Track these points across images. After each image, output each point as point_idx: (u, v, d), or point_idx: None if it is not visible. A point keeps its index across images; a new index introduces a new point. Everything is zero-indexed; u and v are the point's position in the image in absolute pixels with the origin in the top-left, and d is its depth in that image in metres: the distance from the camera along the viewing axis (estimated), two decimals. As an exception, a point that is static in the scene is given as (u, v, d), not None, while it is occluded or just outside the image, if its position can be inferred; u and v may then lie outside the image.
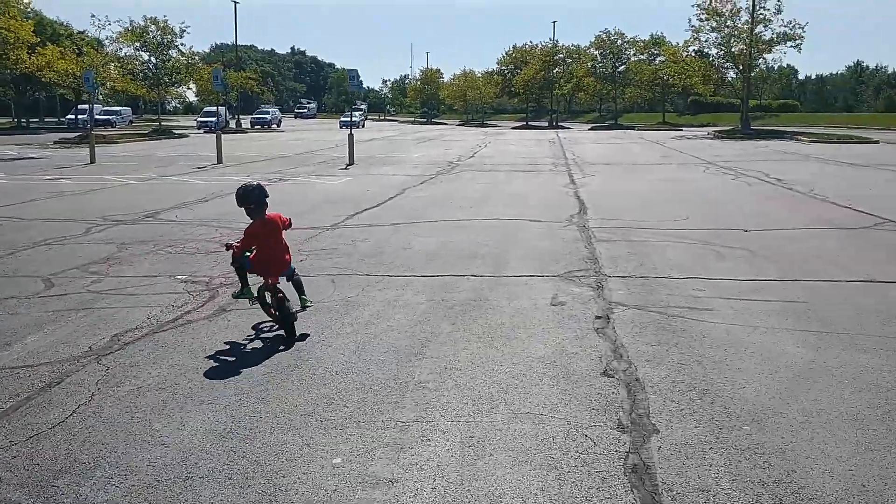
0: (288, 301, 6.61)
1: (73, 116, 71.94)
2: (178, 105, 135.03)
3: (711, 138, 49.52)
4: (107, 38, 53.23)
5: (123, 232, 12.53)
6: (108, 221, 13.78)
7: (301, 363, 6.03)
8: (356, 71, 28.74)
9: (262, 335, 6.78)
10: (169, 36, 52.17)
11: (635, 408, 5.21)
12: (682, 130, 63.59)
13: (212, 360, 6.06)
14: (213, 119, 70.39)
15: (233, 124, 70.69)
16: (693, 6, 52.02)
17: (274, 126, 78.98)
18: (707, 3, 51.04)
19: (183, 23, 51.97)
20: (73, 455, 4.36)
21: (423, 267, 9.72)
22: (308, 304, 6.93)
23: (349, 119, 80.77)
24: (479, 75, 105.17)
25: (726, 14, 51.10)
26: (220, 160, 28.87)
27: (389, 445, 4.59)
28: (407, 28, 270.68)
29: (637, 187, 20.04)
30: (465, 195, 18.00)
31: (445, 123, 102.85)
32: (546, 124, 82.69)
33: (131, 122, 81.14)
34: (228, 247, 7.01)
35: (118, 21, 62.95)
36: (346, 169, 26.49)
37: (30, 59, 34.79)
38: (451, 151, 37.03)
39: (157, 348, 6.35)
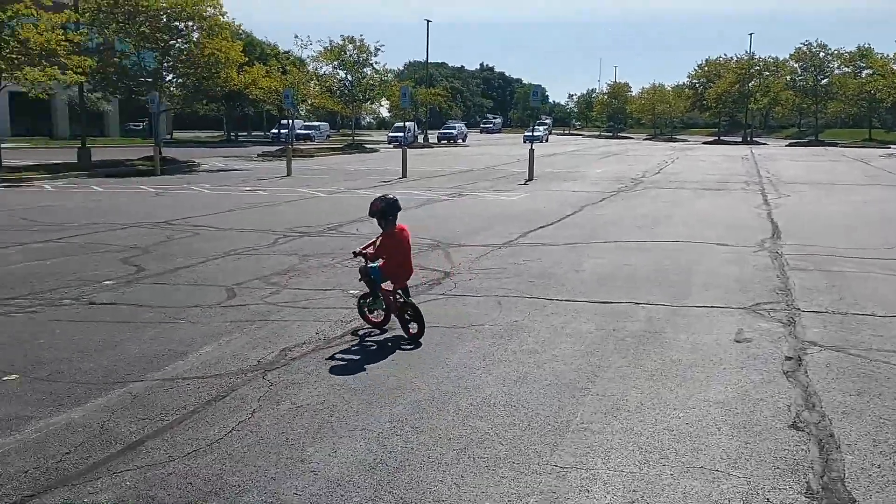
0: (416, 307, 7.18)
1: (276, 131, 77.08)
2: (372, 120, 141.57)
3: (931, 156, 44.81)
4: (308, 57, 56.60)
5: (307, 244, 12.99)
6: (294, 232, 14.37)
7: (460, 391, 5.81)
8: (540, 86, 28.57)
9: (423, 354, 6.64)
10: (364, 54, 54.58)
11: (828, 470, 4.54)
12: (890, 148, 58.07)
13: (371, 382, 5.98)
14: (403, 134, 73.25)
15: (421, 139, 72.86)
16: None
17: (459, 141, 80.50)
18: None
19: (378, 41, 54.31)
20: (224, 477, 4.37)
21: (594, 291, 9.26)
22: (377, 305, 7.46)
23: (532, 134, 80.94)
24: (669, 89, 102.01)
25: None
26: (404, 174, 29.63)
27: (544, 494, 4.24)
28: (595, 43, 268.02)
29: (838, 210, 18.34)
30: (647, 214, 17.23)
31: (632, 138, 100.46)
32: (740, 140, 78.55)
33: (329, 136, 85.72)
34: (357, 254, 7.46)
35: (319, 41, 66.93)
36: (524, 184, 26.31)
37: (238, 77, 37.40)
38: (635, 167, 35.92)
39: (320, 365, 6.38)
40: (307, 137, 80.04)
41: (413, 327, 7.13)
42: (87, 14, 33.64)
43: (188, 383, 5.87)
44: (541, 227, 14.99)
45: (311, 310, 8.27)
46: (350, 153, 50.96)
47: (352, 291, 9.16)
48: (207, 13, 35.75)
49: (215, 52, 35.67)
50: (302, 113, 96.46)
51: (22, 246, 12.54)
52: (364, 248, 7.48)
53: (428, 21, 72.91)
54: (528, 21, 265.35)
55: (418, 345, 6.97)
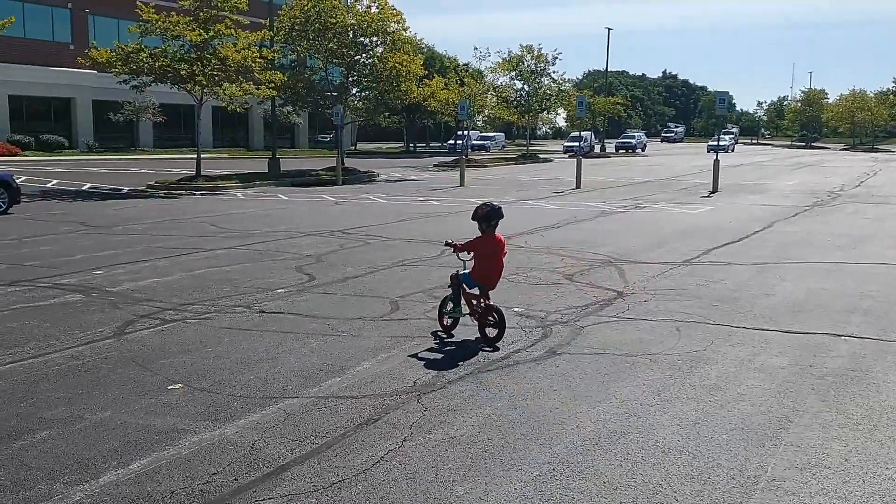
0: (499, 313, 7.37)
1: (453, 142, 78.42)
2: (549, 130, 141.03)
3: None
4: (486, 69, 57.06)
5: (473, 256, 12.73)
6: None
7: (629, 431, 5.23)
8: (727, 93, 26.91)
9: (589, 385, 6.09)
10: (542, 64, 54.16)
11: None
12: None
13: (531, 413, 5.52)
14: (579, 144, 72.17)
15: (598, 149, 71.47)
16: None
17: (638, 150, 78.24)
18: None
19: (555, 50, 53.81)
20: (366, 513, 4.08)
21: (787, 320, 8.28)
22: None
23: (717, 143, 77.28)
24: (872, 95, 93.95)
25: None
26: (578, 185, 28.92)
27: (725, 566, 3.61)
28: (788, 47, 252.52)
29: None
30: (845, 232, 15.59)
31: (827, 148, 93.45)
32: (956, 149, 70.87)
33: (504, 147, 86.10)
34: (448, 244, 8.04)
35: (498, 52, 67.35)
36: (708, 197, 24.83)
37: (417, 89, 38.20)
38: (831, 180, 33.10)
39: (478, 391, 6.00)
40: (482, 148, 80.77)
41: (491, 332, 7.34)
42: (281, 33, 35.58)
43: (342, 403, 5.68)
44: (725, 245, 13.89)
45: (472, 327, 7.93)
46: (523, 163, 50.73)
47: (515, 308, 8.75)
48: (391, 28, 36.78)
49: (397, 65, 36.58)
50: (479, 124, 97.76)
51: (207, 252, 13.15)
52: (463, 245, 7.90)
53: (609, 29, 71.57)
54: (713, 27, 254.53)
55: (496, 349, 7.17)
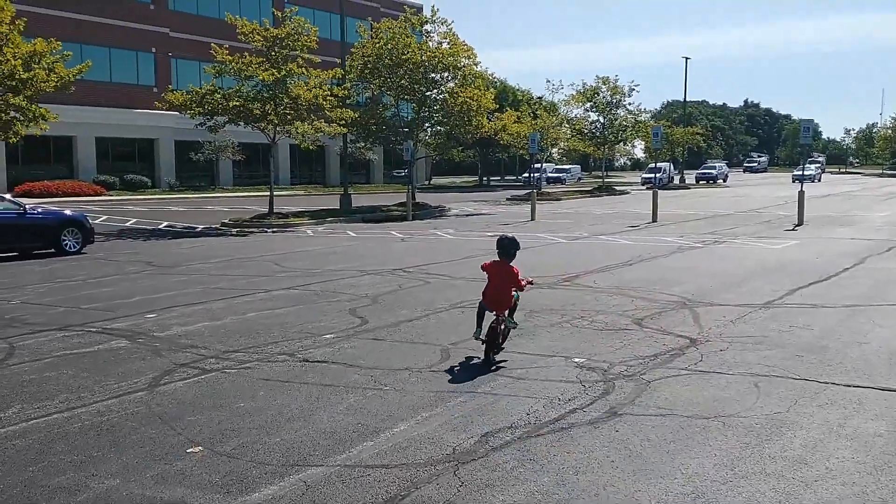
0: (509, 321, 8.33)
1: (527, 175, 77.86)
2: (627, 161, 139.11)
3: None
4: (560, 101, 56.50)
5: (536, 297, 12.05)
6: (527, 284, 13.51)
7: (695, 514, 4.49)
8: (812, 121, 25.55)
9: (651, 455, 5.36)
10: (618, 96, 53.28)
11: None
12: None
13: (581, 491, 4.83)
14: (656, 175, 70.55)
15: (677, 180, 69.74)
16: None
17: (720, 181, 76.10)
18: None
19: (632, 81, 52.78)
20: None
21: (884, 374, 7.34)
22: (511, 324, 8.40)
23: (802, 173, 74.46)
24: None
25: None
26: (654, 219, 27.90)
27: None
28: (874, 72, 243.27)
29: None
30: (951, 269, 14.28)
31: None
32: None
33: (580, 179, 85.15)
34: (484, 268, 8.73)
35: (572, 84, 66.74)
36: (793, 230, 23.48)
37: (488, 123, 37.90)
38: (930, 210, 31.10)
39: (525, 460, 5.34)
40: (558, 180, 79.96)
41: (492, 351, 8.04)
42: (353, 71, 35.90)
43: (369, 473, 5.10)
44: (812, 284, 12.83)
45: (525, 381, 7.28)
46: (599, 196, 49.72)
47: (577, 359, 8.06)
48: (462, 64, 36.66)
49: (468, 100, 36.39)
50: (555, 156, 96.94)
51: (264, 293, 12.87)
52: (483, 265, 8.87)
53: (686, 58, 70.17)
54: (796, 52, 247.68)
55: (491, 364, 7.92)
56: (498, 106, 42.70)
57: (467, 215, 34.24)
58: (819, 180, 76.65)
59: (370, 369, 7.81)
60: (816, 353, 8.13)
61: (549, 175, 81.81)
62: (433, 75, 36.10)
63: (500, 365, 7.89)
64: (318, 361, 8.22)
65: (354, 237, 23.89)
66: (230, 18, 29.76)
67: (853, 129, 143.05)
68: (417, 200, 38.08)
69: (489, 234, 23.94)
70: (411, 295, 12.46)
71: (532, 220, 29.88)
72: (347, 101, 37.67)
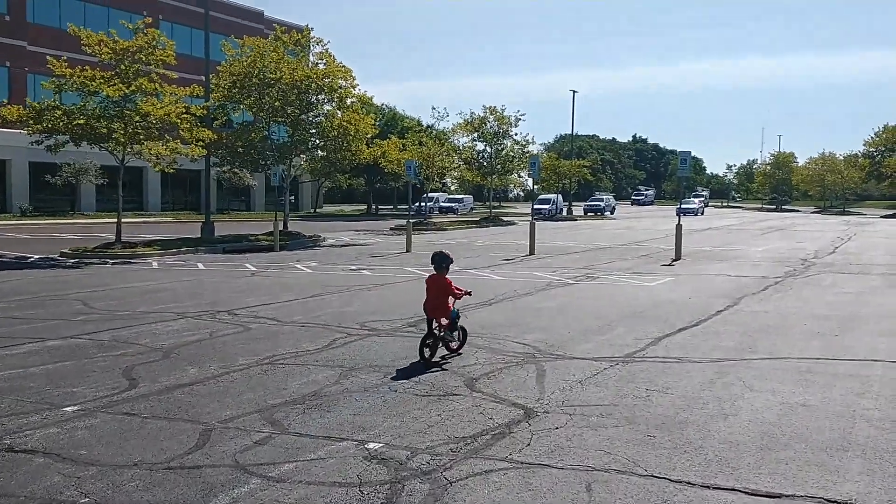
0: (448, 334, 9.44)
1: (420, 204, 76.42)
2: (521, 192, 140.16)
3: None
4: (446, 129, 55.44)
5: (365, 348, 10.17)
6: (365, 329, 11.64)
7: None
8: (689, 153, 24.88)
9: None
10: (505, 125, 52.56)
11: None
12: None
13: None
14: (548, 206, 70.28)
15: (565, 212, 69.75)
16: None
17: (607, 213, 76.69)
18: None
19: (518, 111, 52.05)
20: None
21: (754, 465, 5.76)
22: (449, 336, 9.49)
23: (687, 206, 75.67)
24: (841, 158, 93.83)
25: None
26: (531, 251, 26.60)
27: None
28: (757, 111, 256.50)
29: None
30: (824, 313, 13.21)
31: (798, 211, 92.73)
32: (927, 212, 69.97)
33: (472, 209, 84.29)
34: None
35: (460, 113, 65.92)
36: (669, 265, 22.54)
37: (368, 149, 36.08)
38: (803, 245, 31.09)
39: None
40: (450, 210, 78.80)
41: (427, 353, 9.18)
42: (219, 89, 33.44)
43: None
44: (680, 330, 11.44)
45: (283, 485, 5.33)
46: (485, 227, 48.56)
47: (371, 445, 6.16)
48: (339, 85, 34.78)
49: (344, 123, 34.54)
50: (451, 186, 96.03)
51: (38, 343, 10.47)
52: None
53: (574, 91, 70.63)
54: (683, 91, 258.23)
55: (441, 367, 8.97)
56: (379, 132, 41.13)
57: (342, 245, 32.18)
58: (702, 213, 78.55)
59: (85, 466, 5.69)
60: (673, 432, 6.51)
61: (442, 205, 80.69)
62: (308, 97, 33.99)
63: (443, 365, 9.04)
64: (25, 451, 6.03)
65: (200, 270, 21.44)
66: (73, 29, 26.93)
67: (735, 165, 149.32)
68: (290, 230, 35.78)
69: (353, 268, 21.99)
70: (217, 346, 10.33)
71: (407, 251, 28.11)
72: (215, 122, 35.27)
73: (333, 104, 35.53)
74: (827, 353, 9.71)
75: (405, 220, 51.28)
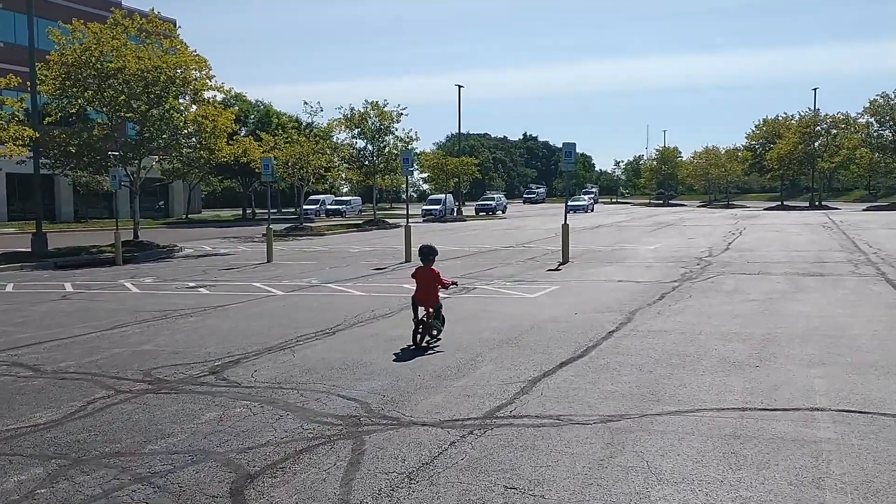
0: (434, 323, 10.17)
1: (309, 206, 72.44)
2: (414, 194, 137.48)
3: None
4: (325, 125, 52.14)
5: (110, 423, 7.07)
6: (141, 383, 8.52)
7: None
8: (573, 145, 22.65)
9: None
10: (387, 121, 49.68)
11: None
12: None
13: None
14: (438, 207, 67.68)
15: (456, 212, 67.49)
16: None
17: (499, 213, 74.96)
18: None
19: (399, 105, 49.21)
20: None
21: None
22: (437, 325, 10.42)
23: (577, 203, 74.96)
24: (723, 152, 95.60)
25: None
26: (408, 259, 23.83)
27: None
28: (642, 108, 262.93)
29: None
30: (735, 329, 10.91)
31: (684, 205, 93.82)
32: (806, 204, 71.46)
33: (361, 211, 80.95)
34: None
35: (339, 108, 62.47)
36: (556, 270, 20.22)
37: (228, 147, 32.42)
38: (696, 241, 29.56)
39: None
40: (337, 213, 75.28)
41: (418, 339, 10.02)
42: (51, 81, 29.12)
43: None
44: (562, 365, 8.84)
45: None
46: (368, 230, 45.56)
47: None
48: (193, 77, 31.04)
49: (199, 119, 30.87)
50: (344, 188, 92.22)
51: None
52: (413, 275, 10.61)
53: (459, 87, 68.49)
54: (573, 90, 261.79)
55: (422, 351, 9.71)
56: (253, 129, 37.48)
57: (199, 256, 28.56)
58: (592, 210, 77.90)
59: None
60: None
61: (329, 207, 77.07)
62: (156, 89, 30.05)
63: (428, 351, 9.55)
64: None
65: (7, 293, 17.67)
66: None
67: (622, 161, 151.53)
68: (143, 239, 31.80)
69: (192, 285, 18.65)
70: None
71: (268, 261, 24.84)
72: (47, 119, 30.92)
73: (189, 97, 31.79)
74: (752, 397, 7.27)
75: (285, 226, 47.85)
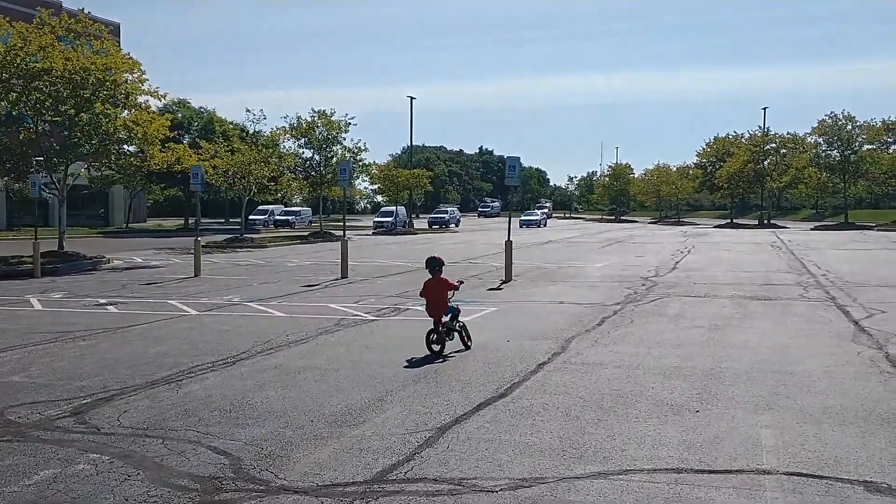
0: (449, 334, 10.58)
1: (254, 217, 70.52)
2: (368, 205, 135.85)
3: None
4: (268, 134, 50.68)
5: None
6: (15, 424, 7.22)
7: None
8: (517, 159, 21.76)
9: None
10: (335, 131, 48.39)
11: None
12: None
13: None
14: (390, 219, 66.38)
15: (407, 225, 66.31)
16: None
17: (452, 226, 73.94)
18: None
19: (347, 115, 47.88)
20: None
21: None
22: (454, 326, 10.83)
23: (530, 218, 74.24)
24: (675, 169, 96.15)
25: None
26: (344, 274, 22.63)
27: None
28: (597, 124, 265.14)
29: None
30: (676, 363, 9.93)
31: (636, 221, 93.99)
32: (755, 222, 71.84)
33: (311, 222, 79.24)
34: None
35: (285, 117, 60.90)
36: (497, 289, 19.23)
37: (160, 154, 30.82)
38: (644, 259, 28.85)
39: None
40: (286, 224, 73.58)
41: (435, 347, 10.40)
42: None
43: None
44: (479, 408, 7.75)
45: None
46: (312, 243, 44.11)
47: None
48: (125, 79, 29.44)
49: (130, 124, 29.30)
50: (296, 199, 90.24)
51: None
52: (422, 291, 11.03)
53: (412, 98, 67.51)
54: (527, 106, 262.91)
55: (444, 359, 10.10)
56: (195, 137, 35.89)
57: (126, 269, 26.98)
58: (545, 225, 77.38)
59: None
60: None
61: (278, 218, 75.35)
62: (85, 92, 28.38)
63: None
64: None
65: None
66: None
67: (576, 177, 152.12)
68: (68, 250, 30.00)
69: (102, 301, 17.24)
70: None
71: (196, 275, 23.41)
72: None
73: (119, 102, 30.14)
74: (690, 454, 6.25)
75: (230, 236, 46.16)
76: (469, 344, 10.81)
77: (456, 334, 10.74)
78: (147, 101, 31.28)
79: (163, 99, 31.62)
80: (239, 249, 38.17)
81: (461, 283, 11.45)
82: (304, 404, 7.98)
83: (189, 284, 21.18)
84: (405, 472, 5.84)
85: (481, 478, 5.71)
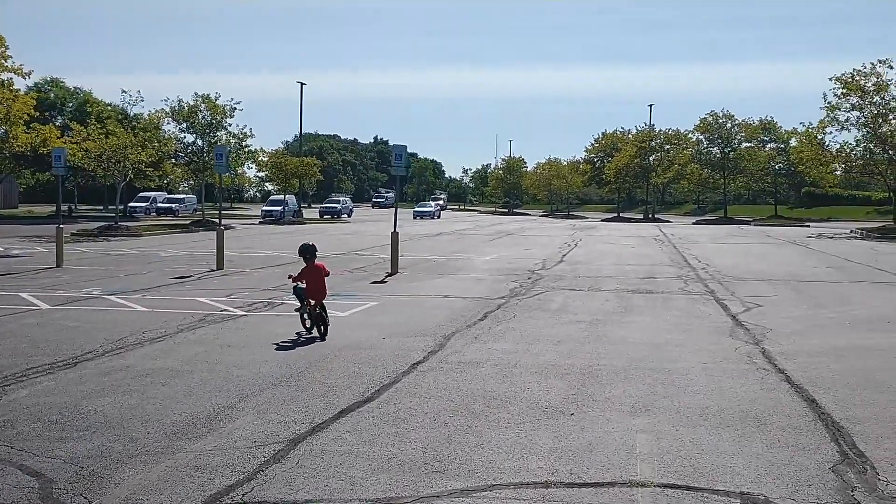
0: (325, 315, 10.93)
1: (134, 204, 67.28)
2: (257, 193, 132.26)
3: (861, 238, 39.96)
4: (143, 116, 48.27)
5: None
6: None
7: None
8: (404, 147, 21.14)
9: None
10: (219, 116, 46.47)
11: None
12: (809, 227, 53.66)
13: None
14: (279, 208, 64.53)
15: (296, 214, 64.67)
16: (831, 79, 43.53)
17: (344, 216, 72.67)
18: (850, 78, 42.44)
19: (232, 100, 46.04)
20: None
21: None
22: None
23: (424, 209, 73.86)
24: (565, 163, 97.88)
25: (871, 89, 42.29)
26: (219, 266, 21.42)
27: None
28: (492, 117, 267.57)
29: (881, 341, 11.25)
30: (554, 361, 9.57)
31: (528, 214, 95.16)
32: (641, 216, 73.94)
33: (197, 210, 76.27)
34: (290, 277, 11.60)
35: (165, 100, 57.98)
36: (382, 282, 18.58)
37: (25, 135, 28.63)
38: (532, 252, 28.82)
39: None
40: (169, 211, 70.52)
41: (322, 329, 10.81)
42: None
43: None
44: (340, 415, 7.08)
45: None
46: (194, 231, 42.23)
47: None
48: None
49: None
50: (184, 185, 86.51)
51: None
52: (296, 276, 11.30)
53: (302, 84, 65.77)
54: (424, 95, 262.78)
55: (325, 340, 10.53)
56: (36, 115, 33.46)
57: (-21, 258, 24.76)
58: (439, 217, 77.18)
59: None
60: None
61: (160, 205, 72.13)
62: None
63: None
64: None
65: None
66: None
67: (471, 169, 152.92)
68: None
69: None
70: None
71: (58, 266, 21.68)
72: None
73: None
74: (561, 464, 5.78)
75: (104, 224, 43.56)
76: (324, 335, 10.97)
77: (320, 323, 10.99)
78: (10, 78, 29.03)
79: (27, 77, 29.37)
80: (112, 238, 35.97)
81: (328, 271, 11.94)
82: (144, 413, 7.11)
83: (48, 276, 19.54)
84: (242, 495, 5.12)
85: (328, 500, 5.05)
